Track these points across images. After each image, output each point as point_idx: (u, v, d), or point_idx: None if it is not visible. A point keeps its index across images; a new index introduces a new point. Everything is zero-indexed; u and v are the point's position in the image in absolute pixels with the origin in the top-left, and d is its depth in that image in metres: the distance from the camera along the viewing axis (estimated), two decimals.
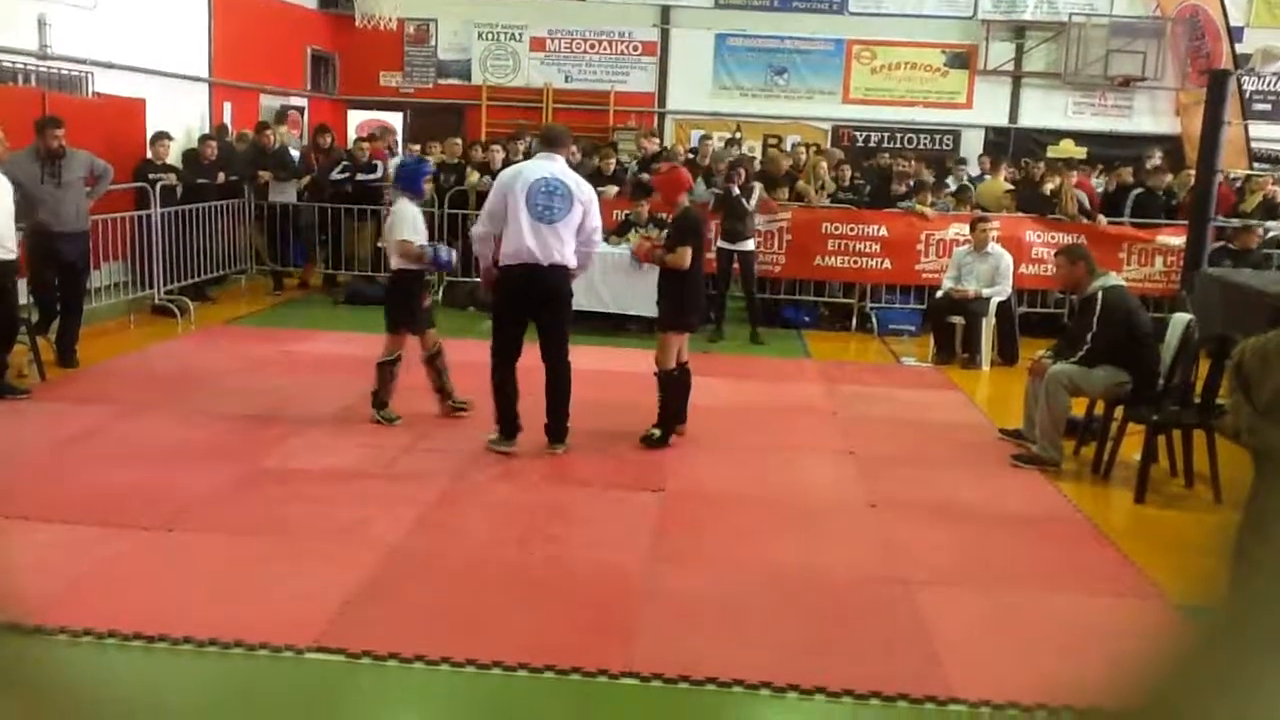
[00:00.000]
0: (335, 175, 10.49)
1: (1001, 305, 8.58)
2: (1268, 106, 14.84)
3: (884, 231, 9.88)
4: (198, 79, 11.97)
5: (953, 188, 11.02)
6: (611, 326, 8.90)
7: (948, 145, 15.09)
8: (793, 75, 15.27)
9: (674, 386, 5.91)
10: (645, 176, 9.67)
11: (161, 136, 9.60)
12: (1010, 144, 14.82)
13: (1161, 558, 4.49)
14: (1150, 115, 14.96)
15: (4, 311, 6.34)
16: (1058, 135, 14.68)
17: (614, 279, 8.89)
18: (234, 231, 10.32)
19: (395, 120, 14.93)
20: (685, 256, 5.76)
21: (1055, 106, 15.15)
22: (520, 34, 15.46)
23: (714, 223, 9.15)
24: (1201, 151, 9.15)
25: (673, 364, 5.88)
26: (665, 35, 15.30)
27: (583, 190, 5.52)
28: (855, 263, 9.93)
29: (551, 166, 5.49)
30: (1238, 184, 11.10)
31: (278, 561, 4.10)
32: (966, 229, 9.15)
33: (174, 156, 9.87)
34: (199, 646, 3.36)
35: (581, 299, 8.38)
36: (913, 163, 11.35)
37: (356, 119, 15.38)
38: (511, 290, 5.47)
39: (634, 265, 6.88)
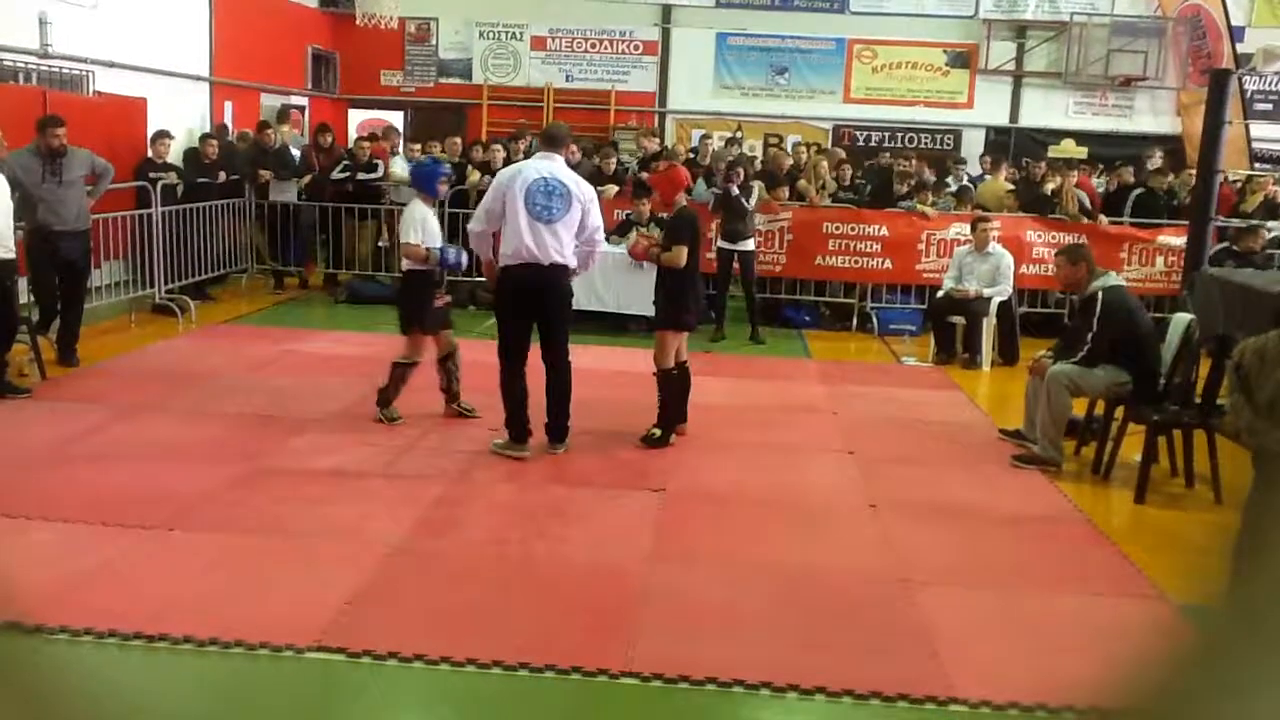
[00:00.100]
0: (336, 175, 10.49)
1: (1002, 305, 8.58)
2: (1269, 106, 14.84)
3: (885, 231, 9.87)
4: (199, 78, 11.98)
5: (953, 187, 11.02)
6: (612, 326, 8.90)
7: (949, 145, 15.10)
8: (794, 74, 15.28)
9: (674, 386, 5.92)
10: (645, 176, 9.68)
11: (162, 135, 9.60)
12: (1011, 144, 14.83)
13: (1162, 558, 4.49)
14: (1151, 115, 14.97)
15: (4, 310, 6.34)
16: (1058, 135, 14.67)
17: (615, 279, 8.90)
18: (235, 230, 10.32)
19: (396, 119, 14.93)
20: (681, 255, 5.76)
21: (1056, 106, 15.16)
22: (521, 33, 15.46)
23: (714, 222, 9.17)
24: (1202, 151, 9.13)
25: (671, 363, 5.88)
26: (666, 34, 15.30)
27: (582, 189, 5.52)
28: (856, 262, 9.92)
29: (550, 166, 5.48)
30: (1238, 184, 11.10)
31: (278, 561, 4.10)
32: (967, 229, 9.15)
33: (175, 155, 9.87)
34: (200, 646, 3.36)
35: (582, 298, 8.39)
36: (914, 162, 11.34)
37: (357, 118, 15.40)
38: (512, 290, 5.47)
39: (634, 265, 6.90)
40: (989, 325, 8.48)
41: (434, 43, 15.61)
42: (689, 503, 5.00)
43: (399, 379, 6.04)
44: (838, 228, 9.89)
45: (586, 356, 6.92)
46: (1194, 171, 9.98)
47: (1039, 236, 9.83)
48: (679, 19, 15.26)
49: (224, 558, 4.10)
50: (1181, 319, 5.81)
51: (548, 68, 15.47)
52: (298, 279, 11.02)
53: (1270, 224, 9.92)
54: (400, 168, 10.79)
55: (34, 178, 6.89)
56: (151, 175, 9.17)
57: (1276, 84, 14.80)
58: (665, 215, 7.15)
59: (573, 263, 5.50)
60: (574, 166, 7.84)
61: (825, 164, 11.04)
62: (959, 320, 8.65)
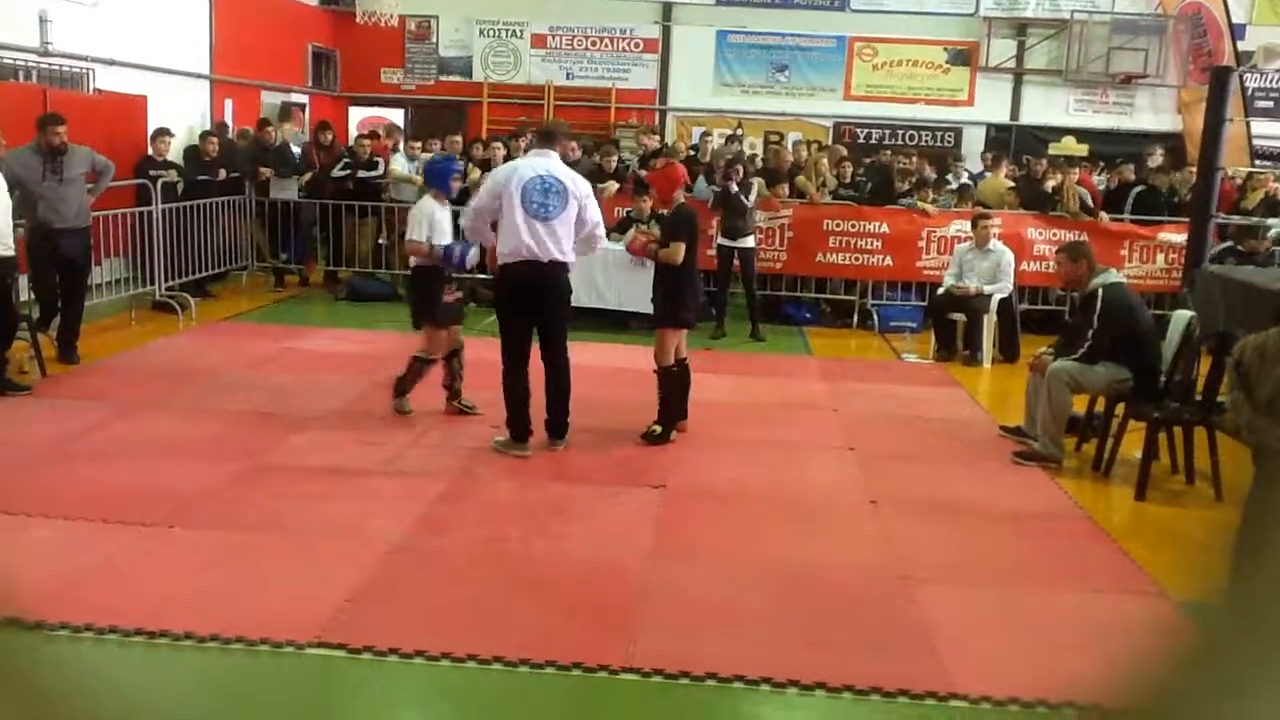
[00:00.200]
0: (336, 172, 10.49)
1: (1003, 302, 8.58)
2: (1270, 104, 14.84)
3: (885, 228, 9.87)
4: (199, 75, 11.98)
5: (954, 185, 11.01)
6: (613, 323, 8.90)
7: (949, 142, 15.10)
8: (794, 72, 15.27)
9: (674, 383, 5.92)
10: (643, 174, 9.67)
11: (162, 133, 9.60)
12: (1012, 141, 14.82)
13: (1162, 554, 4.49)
14: (1152, 112, 14.96)
15: (4, 308, 6.34)
16: (1059, 132, 14.67)
17: (616, 276, 8.90)
18: (235, 228, 10.32)
19: (396, 117, 14.93)
20: (679, 252, 5.76)
21: (1057, 104, 15.15)
22: (521, 30, 15.46)
23: (714, 220, 9.16)
24: (1203, 149, 9.13)
25: (671, 360, 5.88)
26: (666, 32, 15.29)
27: (578, 185, 5.51)
28: (856, 259, 9.92)
29: (546, 163, 5.46)
30: (1239, 181, 11.09)
31: (279, 558, 4.10)
32: (968, 226, 9.14)
33: (175, 153, 9.87)
34: (200, 643, 3.36)
35: (583, 296, 8.40)
36: (914, 160, 11.33)
37: (357, 116, 15.40)
38: (512, 289, 5.47)
39: (635, 262, 6.90)
40: (990, 322, 8.47)
41: (434, 40, 15.60)
42: (689, 500, 5.00)
43: (416, 372, 6.07)
44: (838, 225, 9.89)
45: (587, 354, 6.92)
46: (1195, 169, 9.98)
47: (1040, 234, 9.82)
48: (679, 16, 15.25)
49: (224, 555, 4.10)
50: (1182, 316, 5.81)
51: (548, 65, 15.46)
52: (298, 276, 11.02)
53: (1270, 221, 9.92)
54: (401, 165, 10.80)
55: (34, 175, 6.89)
56: (152, 173, 9.17)
57: (1277, 81, 14.80)
58: (664, 212, 7.16)
59: (572, 259, 5.50)
60: (574, 164, 7.84)
61: (826, 161, 11.03)
62: (960, 317, 8.65)
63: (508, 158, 9.54)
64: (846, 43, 15.11)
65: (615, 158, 10.65)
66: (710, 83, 15.34)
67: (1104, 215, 10.03)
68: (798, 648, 3.49)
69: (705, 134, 14.19)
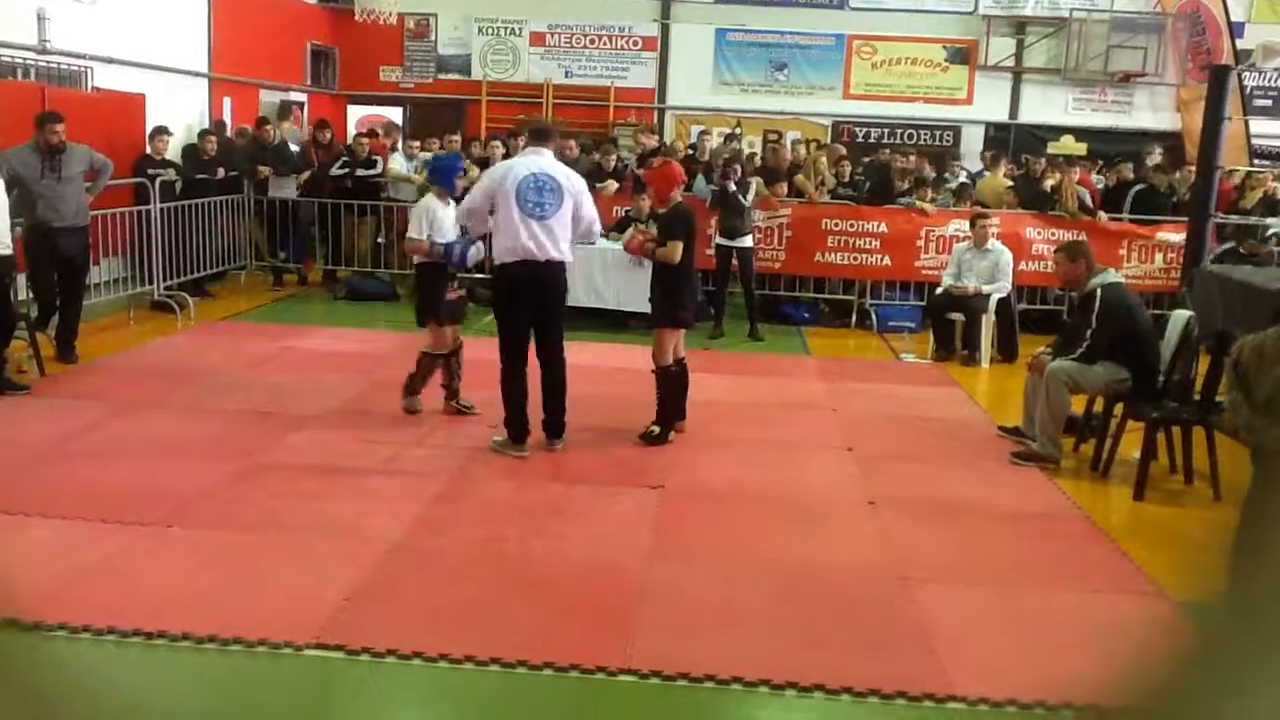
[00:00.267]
0: (335, 171, 10.49)
1: (1001, 302, 8.58)
2: (1268, 102, 14.84)
3: (884, 228, 9.87)
4: (197, 74, 11.97)
5: (953, 184, 11.01)
6: (612, 323, 8.89)
7: (948, 141, 15.10)
8: (793, 71, 15.27)
9: (672, 383, 5.91)
10: (641, 172, 9.67)
11: (161, 132, 9.59)
12: (1010, 140, 14.82)
13: (1161, 554, 4.49)
14: (1150, 111, 14.96)
15: (3, 307, 6.33)
16: (1058, 131, 14.66)
17: (614, 275, 8.90)
18: (233, 227, 10.32)
19: (395, 115, 14.92)
20: (676, 251, 5.75)
21: (1055, 102, 15.16)
22: (520, 29, 15.45)
23: (712, 219, 9.16)
24: (1202, 148, 9.13)
25: (669, 360, 5.88)
26: (665, 30, 15.29)
27: (572, 182, 5.50)
28: (855, 259, 9.92)
29: (540, 161, 5.46)
30: (1237, 180, 11.10)
31: (277, 558, 4.10)
32: (966, 225, 9.14)
33: (173, 152, 9.86)
34: (198, 643, 3.35)
35: (582, 295, 8.40)
36: (913, 159, 11.32)
37: (356, 114, 15.39)
38: (510, 288, 5.46)
39: (633, 261, 6.89)
40: (988, 322, 8.48)
41: (433, 38, 15.59)
42: (687, 500, 5.00)
43: (426, 370, 6.09)
44: (837, 224, 9.89)
45: (585, 353, 6.92)
46: (1193, 168, 9.99)
47: (1038, 233, 9.82)
48: (678, 15, 15.25)
49: (222, 554, 4.09)
50: (1180, 316, 5.81)
51: (547, 63, 15.46)
52: (296, 275, 11.01)
53: (1269, 221, 9.92)
54: (399, 164, 10.79)
55: (33, 174, 6.88)
56: (150, 171, 9.16)
57: (1276, 80, 14.80)
58: (662, 211, 7.15)
59: (569, 258, 5.50)
60: (573, 163, 7.83)
61: (824, 160, 11.03)
62: (958, 317, 8.65)
63: (506, 156, 9.53)
64: (845, 41, 15.12)
65: (614, 156, 10.64)
66: (709, 81, 15.34)
67: (1102, 214, 10.03)
68: (796, 648, 3.49)
69: (704, 133, 14.18)
